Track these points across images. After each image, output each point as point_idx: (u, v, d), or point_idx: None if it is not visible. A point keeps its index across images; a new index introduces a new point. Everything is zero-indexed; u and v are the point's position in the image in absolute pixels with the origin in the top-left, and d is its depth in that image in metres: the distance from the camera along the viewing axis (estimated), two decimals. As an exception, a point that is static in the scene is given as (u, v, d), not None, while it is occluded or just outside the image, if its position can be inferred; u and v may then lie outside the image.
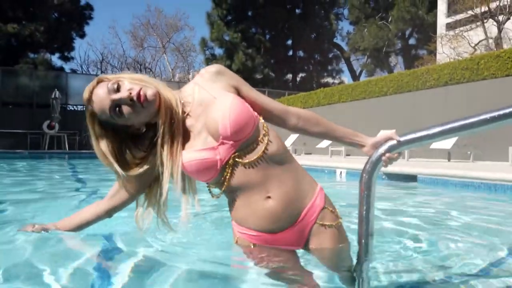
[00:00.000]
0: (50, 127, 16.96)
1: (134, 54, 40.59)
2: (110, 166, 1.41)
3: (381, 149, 1.30)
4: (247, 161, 1.28)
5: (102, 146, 1.39)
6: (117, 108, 1.28)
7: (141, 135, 1.42)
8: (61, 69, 25.36)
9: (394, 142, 1.30)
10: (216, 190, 1.39)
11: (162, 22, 37.22)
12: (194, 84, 1.37)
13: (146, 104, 1.27)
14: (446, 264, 1.58)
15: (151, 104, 1.28)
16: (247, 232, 1.36)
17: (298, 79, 32.10)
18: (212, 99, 1.31)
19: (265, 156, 1.28)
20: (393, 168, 4.03)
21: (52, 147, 17.17)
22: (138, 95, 1.26)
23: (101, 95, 1.31)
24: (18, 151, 15.47)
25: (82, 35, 25.71)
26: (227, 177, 1.31)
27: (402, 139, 1.30)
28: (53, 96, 16.91)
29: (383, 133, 1.35)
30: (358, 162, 5.71)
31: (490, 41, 18.12)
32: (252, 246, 1.36)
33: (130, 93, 1.27)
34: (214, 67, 1.38)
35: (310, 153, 15.24)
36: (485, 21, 17.88)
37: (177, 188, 1.34)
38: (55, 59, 26.40)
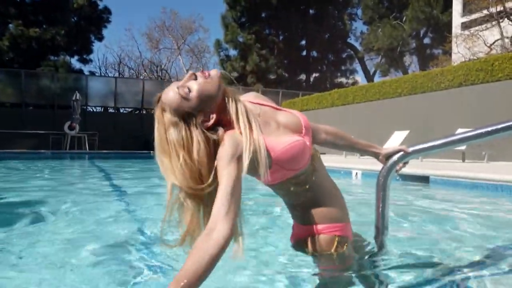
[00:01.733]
0: (71, 127, 17.50)
1: (150, 55, 41.32)
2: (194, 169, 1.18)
3: (395, 157, 1.55)
4: (319, 154, 1.44)
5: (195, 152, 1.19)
6: (183, 88, 1.24)
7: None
8: (80, 71, 26.01)
9: (403, 152, 1.55)
10: (288, 195, 1.42)
11: (177, 24, 37.75)
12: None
13: (209, 78, 1.26)
14: (451, 263, 1.81)
15: (214, 78, 1.27)
16: (336, 228, 1.38)
17: (311, 79, 32.22)
18: (273, 109, 1.43)
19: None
20: (407, 169, 4.21)
21: (73, 147, 17.72)
22: (202, 72, 1.28)
23: (169, 89, 1.30)
24: (40, 151, 16.04)
25: (101, 38, 26.34)
26: (315, 165, 1.37)
27: (411, 150, 1.55)
28: (73, 98, 17.45)
29: (394, 146, 1.59)
30: (372, 164, 5.91)
31: (506, 40, 18.01)
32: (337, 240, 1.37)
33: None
34: (252, 93, 1.54)
35: (324, 153, 15.43)
36: (500, 20, 17.79)
37: (261, 176, 1.22)
38: (74, 62, 27.14)
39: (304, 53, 31.85)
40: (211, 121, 1.24)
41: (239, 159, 1.15)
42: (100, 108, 22.38)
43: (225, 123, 1.26)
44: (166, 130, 1.25)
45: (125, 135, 19.13)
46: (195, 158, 1.18)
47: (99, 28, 25.81)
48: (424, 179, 4.23)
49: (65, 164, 11.92)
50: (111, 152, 17.16)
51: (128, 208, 3.19)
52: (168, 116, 1.25)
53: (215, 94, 1.25)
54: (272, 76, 28.42)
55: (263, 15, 28.88)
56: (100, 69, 34.09)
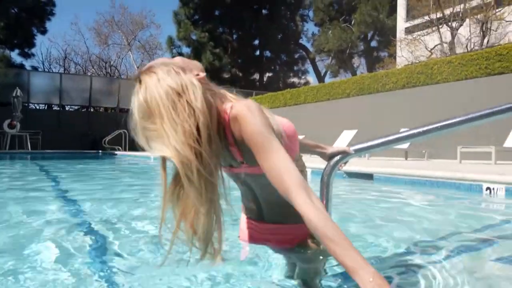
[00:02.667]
0: (11, 126, 16.47)
1: (98, 51, 39.72)
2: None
3: (337, 157, 1.64)
4: None
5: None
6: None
7: None
8: (22, 66, 24.50)
9: (347, 152, 1.64)
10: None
11: (127, 19, 36.63)
12: None
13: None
14: (387, 253, 1.95)
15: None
16: None
17: (265, 78, 32.58)
18: None
19: None
20: (352, 167, 4.43)
21: (14, 147, 16.69)
22: None
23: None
24: (-23, 152, 14.94)
25: (44, 31, 24.97)
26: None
27: (352, 149, 1.65)
28: (14, 94, 16.42)
29: (339, 146, 1.68)
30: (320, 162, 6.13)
31: (445, 45, 19.26)
32: None
33: None
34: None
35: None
36: (440, 26, 18.99)
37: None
38: (15, 56, 25.49)
39: (258, 52, 32.11)
40: (202, 74, 1.11)
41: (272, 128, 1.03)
42: (43, 105, 21.21)
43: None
44: (156, 84, 1.01)
45: (71, 134, 18.30)
46: (196, 106, 0.97)
47: (42, 21, 24.44)
48: (368, 176, 4.47)
49: (5, 165, 11.19)
50: (55, 151, 16.34)
51: (73, 211, 3.09)
52: (158, 70, 1.04)
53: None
54: (226, 75, 28.40)
55: (216, 13, 28.76)
56: (43, 64, 32.35)
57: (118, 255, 1.80)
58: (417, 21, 21.58)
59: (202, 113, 0.97)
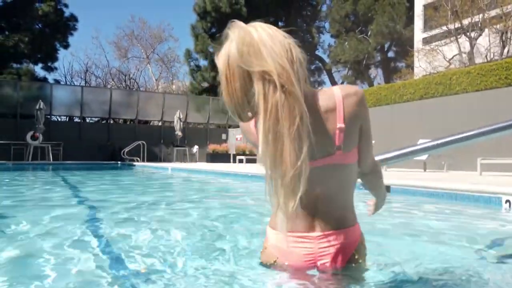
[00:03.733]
0: (34, 137, 16.92)
1: (118, 64, 40.65)
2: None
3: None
4: None
5: None
6: None
7: None
8: (45, 79, 25.27)
9: None
10: None
11: (146, 33, 37.49)
12: None
13: None
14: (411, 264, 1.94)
15: None
16: None
17: (281, 90, 32.69)
18: None
19: None
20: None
21: (36, 158, 17.12)
22: None
23: None
24: (1, 162, 15.39)
25: (66, 46, 25.74)
26: None
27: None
28: (37, 107, 16.91)
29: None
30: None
31: (464, 55, 19.04)
32: None
33: None
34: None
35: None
36: (458, 36, 18.80)
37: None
38: (39, 70, 26.32)
39: (274, 64, 32.29)
40: None
41: None
42: (65, 117, 21.77)
43: None
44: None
45: (91, 145, 18.68)
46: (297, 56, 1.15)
47: (65, 36, 25.22)
48: (385, 188, 4.45)
49: (27, 176, 11.51)
50: (76, 162, 16.69)
51: (95, 224, 3.17)
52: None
53: None
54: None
55: (233, 26, 29.15)
56: (65, 78, 33.26)
57: (132, 260, 1.85)
58: (435, 32, 21.42)
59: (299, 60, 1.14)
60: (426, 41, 22.80)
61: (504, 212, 3.40)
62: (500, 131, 1.75)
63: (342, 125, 1.13)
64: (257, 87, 1.04)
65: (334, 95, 1.15)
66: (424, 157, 9.83)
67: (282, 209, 1.07)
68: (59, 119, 21.62)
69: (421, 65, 20.49)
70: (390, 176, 5.57)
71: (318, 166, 1.15)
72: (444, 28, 19.54)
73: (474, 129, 1.72)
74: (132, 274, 1.72)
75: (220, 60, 1.12)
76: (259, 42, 1.09)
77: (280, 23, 31.12)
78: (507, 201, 3.32)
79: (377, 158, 1.80)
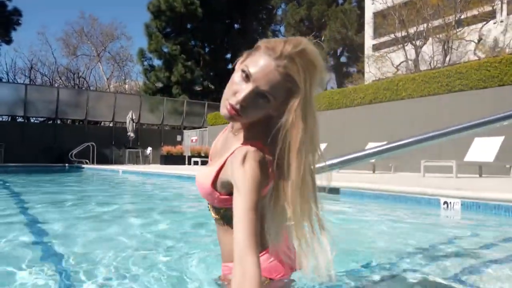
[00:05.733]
0: (-29, 138, 15.77)
1: (66, 62, 38.77)
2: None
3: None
4: None
5: None
6: None
7: None
8: (-16, 76, 23.60)
9: None
10: None
11: (97, 30, 36.13)
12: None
13: None
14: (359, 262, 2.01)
15: None
16: None
17: (237, 92, 32.73)
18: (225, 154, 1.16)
19: None
20: (320, 182, 4.52)
21: (-26, 160, 15.96)
22: None
23: None
24: None
25: (9, 41, 24.22)
26: None
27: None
28: (-25, 105, 15.78)
29: None
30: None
31: (410, 62, 20.08)
32: None
33: None
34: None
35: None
36: (405, 44, 19.81)
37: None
38: (-24, 65, 24.51)
39: (230, 66, 32.31)
40: None
41: None
42: (6, 117, 20.43)
43: None
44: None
45: (37, 147, 17.69)
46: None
47: (7, 31, 23.71)
48: (335, 191, 4.58)
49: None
50: (19, 165, 15.73)
51: (36, 233, 3.00)
52: None
53: None
54: (198, 88, 28.34)
55: (188, 26, 28.82)
56: (7, 75, 31.27)
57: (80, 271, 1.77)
58: (384, 39, 22.43)
59: None
60: (375, 47, 23.81)
61: (443, 211, 3.62)
62: (443, 137, 1.87)
63: None
64: None
65: None
66: (372, 159, 10.22)
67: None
68: (0, 119, 20.26)
69: (371, 71, 21.36)
70: (340, 177, 5.75)
71: None
72: (392, 35, 20.52)
73: (419, 135, 1.82)
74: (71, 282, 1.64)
75: None
76: None
77: (235, 25, 31.18)
78: (445, 202, 3.54)
79: (329, 162, 1.84)
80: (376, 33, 24.31)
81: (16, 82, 30.09)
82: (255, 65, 0.98)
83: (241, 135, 1.13)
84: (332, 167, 1.82)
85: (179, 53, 26.40)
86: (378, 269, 1.88)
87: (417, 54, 19.43)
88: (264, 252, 1.12)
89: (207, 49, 30.28)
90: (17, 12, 23.99)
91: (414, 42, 19.28)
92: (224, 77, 31.60)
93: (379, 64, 20.67)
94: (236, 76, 1.03)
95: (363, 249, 2.32)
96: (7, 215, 3.76)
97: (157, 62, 27.83)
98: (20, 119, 19.30)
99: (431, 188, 3.86)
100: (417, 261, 2.04)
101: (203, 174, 1.18)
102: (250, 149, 1.02)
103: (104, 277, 1.74)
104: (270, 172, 1.01)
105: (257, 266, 0.86)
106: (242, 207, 0.93)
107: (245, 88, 0.98)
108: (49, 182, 9.12)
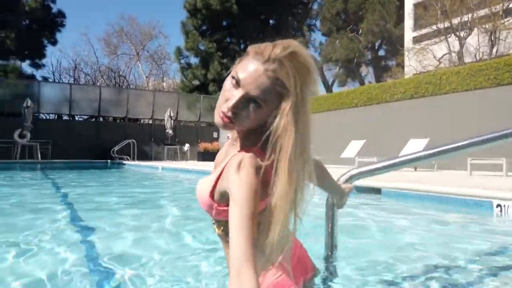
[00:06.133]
0: (22, 136, 16.66)
1: (107, 61, 40.20)
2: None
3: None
4: None
5: None
6: None
7: None
8: (32, 76, 24.87)
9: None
10: None
11: (136, 30, 37.14)
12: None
13: None
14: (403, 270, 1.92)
15: None
16: None
17: (272, 88, 32.63)
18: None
19: None
20: (361, 182, 4.39)
21: (24, 156, 16.86)
22: None
23: None
24: (-13, 161, 15.12)
25: (54, 42, 25.37)
26: None
27: (353, 185, 1.63)
28: (24, 104, 16.65)
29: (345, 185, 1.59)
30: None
31: (453, 55, 19.18)
32: None
33: None
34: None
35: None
36: (448, 36, 18.94)
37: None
38: (26, 67, 25.89)
39: (265, 62, 32.25)
40: None
41: None
42: (53, 115, 21.46)
43: None
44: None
45: (81, 144, 18.45)
46: None
47: (53, 32, 24.84)
48: (376, 191, 4.44)
49: (15, 175, 11.32)
50: (65, 161, 16.47)
51: (81, 225, 3.10)
52: None
53: None
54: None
55: (224, 23, 29.03)
56: (54, 75, 32.79)
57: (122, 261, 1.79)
58: (425, 31, 21.55)
59: None
60: (416, 40, 22.94)
61: (496, 216, 3.40)
62: (488, 143, 1.74)
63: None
64: None
65: None
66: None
67: None
68: (47, 117, 21.30)
69: (411, 64, 20.61)
70: (380, 176, 5.57)
71: None
72: (434, 27, 19.67)
73: (460, 141, 1.70)
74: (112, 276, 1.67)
75: None
76: None
77: (271, 21, 31.07)
78: (498, 205, 3.32)
79: (362, 169, 1.77)
80: (417, 25, 23.39)
81: (61, 81, 31.51)
82: (244, 71, 0.95)
83: (238, 144, 1.09)
84: (364, 176, 1.74)
85: (215, 51, 26.65)
86: (424, 281, 1.78)
87: (461, 45, 18.52)
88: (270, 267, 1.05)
89: (242, 46, 30.39)
90: (61, 14, 25.09)
91: (458, 33, 18.38)
92: (259, 73, 31.65)
93: (420, 57, 19.88)
94: (228, 83, 1.00)
95: (407, 258, 2.21)
96: (53, 211, 3.91)
97: (193, 60, 28.27)
98: (65, 117, 20.19)
99: (481, 189, 3.64)
100: (470, 273, 1.91)
101: (201, 184, 1.15)
102: (246, 155, 0.97)
103: (146, 276, 1.75)
104: (270, 179, 0.94)
105: (255, 280, 0.81)
106: (237, 216, 0.89)
107: (236, 94, 0.95)
108: (92, 180, 9.47)
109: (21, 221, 3.31)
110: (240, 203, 0.90)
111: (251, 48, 0.99)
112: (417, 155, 1.65)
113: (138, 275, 1.80)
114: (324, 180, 1.42)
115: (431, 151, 1.62)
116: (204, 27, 28.19)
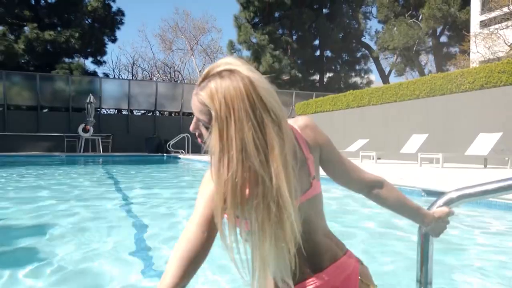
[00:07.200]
0: (85, 130, 17.60)
1: (163, 57, 41.44)
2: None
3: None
4: None
5: None
6: None
7: None
8: (94, 73, 26.18)
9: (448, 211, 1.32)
10: None
11: (189, 25, 37.86)
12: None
13: None
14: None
15: None
16: None
17: (325, 79, 31.86)
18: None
19: None
20: (427, 185, 3.99)
21: (87, 149, 17.82)
22: None
23: None
24: (55, 154, 16.14)
25: (114, 40, 26.45)
26: None
27: (452, 209, 1.35)
28: (88, 100, 17.54)
29: (437, 211, 1.33)
30: (391, 172, 5.63)
31: (528, 39, 17.44)
32: None
33: None
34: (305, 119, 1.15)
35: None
36: (522, 18, 17.24)
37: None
38: (88, 64, 27.37)
39: (318, 53, 31.50)
40: None
41: None
42: (113, 110, 22.47)
43: None
44: None
45: (138, 137, 19.16)
46: None
47: (113, 30, 25.92)
48: (437, 194, 4.01)
49: (79, 167, 11.94)
50: (124, 154, 17.18)
51: (137, 217, 3.05)
52: None
53: None
54: (285, 77, 28.18)
55: (276, 15, 28.67)
56: (113, 71, 34.37)
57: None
58: (494, 14, 19.80)
59: None
60: (484, 24, 21.14)
61: None
62: None
63: (311, 156, 1.07)
64: None
65: (292, 130, 1.07)
66: (485, 152, 9.07)
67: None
68: (108, 112, 22.34)
69: (479, 51, 19.04)
70: (442, 174, 5.06)
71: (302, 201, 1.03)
72: (505, 9, 17.99)
73: None
74: None
75: None
76: None
77: (324, 10, 30.19)
78: None
79: (464, 192, 1.47)
80: (485, 8, 21.55)
81: (121, 77, 32.96)
82: None
83: None
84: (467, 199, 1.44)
85: (267, 43, 26.43)
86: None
87: (538, 29, 16.78)
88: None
89: (294, 37, 29.87)
90: (120, 12, 26.07)
91: (534, 15, 16.67)
92: (312, 64, 30.98)
93: (489, 42, 18.28)
94: None
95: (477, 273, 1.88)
96: (112, 199, 3.95)
97: (245, 53, 28.25)
98: (124, 112, 21.06)
99: None
100: None
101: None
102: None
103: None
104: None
105: None
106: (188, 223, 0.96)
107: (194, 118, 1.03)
108: (150, 175, 9.71)
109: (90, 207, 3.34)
110: (194, 209, 1.01)
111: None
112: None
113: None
114: (386, 200, 1.22)
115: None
116: (256, 20, 28.03)
